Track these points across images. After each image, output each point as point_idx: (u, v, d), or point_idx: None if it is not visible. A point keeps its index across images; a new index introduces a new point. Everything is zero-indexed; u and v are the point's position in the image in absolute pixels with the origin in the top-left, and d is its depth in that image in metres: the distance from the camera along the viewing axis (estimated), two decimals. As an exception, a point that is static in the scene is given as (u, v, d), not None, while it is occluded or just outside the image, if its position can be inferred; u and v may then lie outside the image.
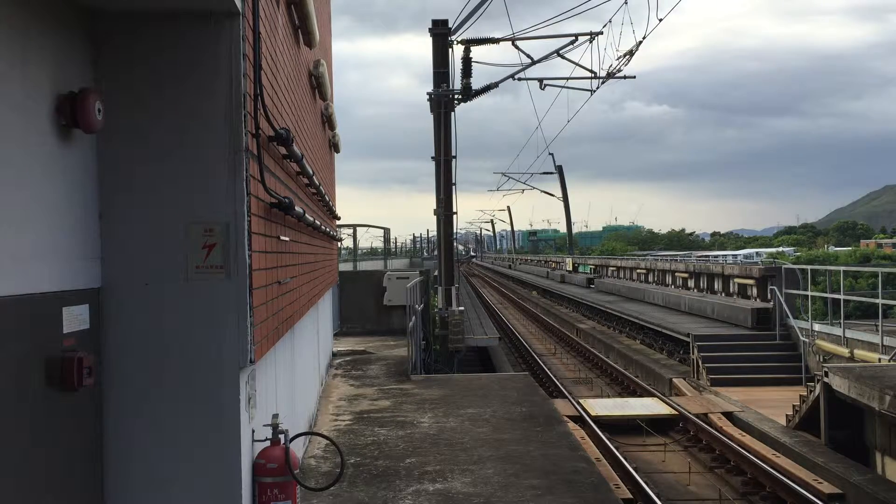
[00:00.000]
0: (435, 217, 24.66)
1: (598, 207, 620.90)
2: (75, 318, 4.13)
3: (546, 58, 23.41)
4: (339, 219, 14.90)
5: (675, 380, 17.54)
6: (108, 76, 4.48)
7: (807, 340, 16.71)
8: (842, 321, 15.77)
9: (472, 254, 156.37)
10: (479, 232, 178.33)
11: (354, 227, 33.14)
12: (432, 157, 24.19)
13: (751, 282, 22.00)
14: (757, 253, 77.38)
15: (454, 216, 24.81)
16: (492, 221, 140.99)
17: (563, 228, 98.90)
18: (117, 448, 4.49)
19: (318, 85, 9.68)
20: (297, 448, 7.13)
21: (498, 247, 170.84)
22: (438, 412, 10.51)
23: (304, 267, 8.08)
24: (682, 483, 11.26)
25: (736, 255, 69.32)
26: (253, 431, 5.00)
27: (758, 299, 21.08)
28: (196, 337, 4.51)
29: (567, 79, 24.78)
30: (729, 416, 13.79)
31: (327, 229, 10.96)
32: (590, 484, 7.31)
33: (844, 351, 15.20)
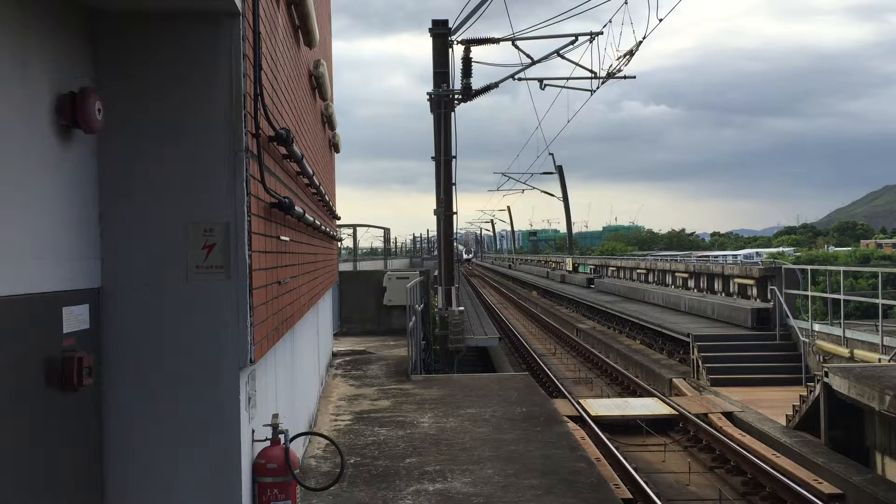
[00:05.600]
0: (435, 217, 24.67)
1: (598, 207, 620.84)
2: (75, 318, 4.12)
3: (546, 58, 23.41)
4: (339, 219, 14.90)
5: (675, 380, 17.55)
6: (108, 76, 4.48)
7: (807, 340, 16.71)
8: (842, 321, 15.76)
9: (467, 256, 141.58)
10: (479, 232, 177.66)
11: (354, 227, 33.15)
12: (432, 157, 24.19)
13: (751, 282, 22.00)
14: (757, 253, 77.34)
15: (454, 216, 24.82)
16: (492, 221, 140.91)
17: (563, 228, 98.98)
18: (117, 448, 4.49)
19: (318, 85, 9.68)
20: (297, 448, 7.13)
21: (498, 247, 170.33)
22: (438, 412, 10.51)
23: (304, 267, 8.08)
24: (682, 483, 11.26)
25: (736, 256, 69.29)
26: (253, 431, 5.00)
27: (758, 299, 21.08)
28: (196, 337, 4.50)
29: (567, 79, 24.78)
30: (729, 416, 13.79)
31: (327, 229, 10.96)
32: (590, 484, 7.31)
33: (844, 351, 15.19)
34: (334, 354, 16.01)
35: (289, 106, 6.71)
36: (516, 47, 23.27)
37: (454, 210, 24.65)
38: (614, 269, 41.46)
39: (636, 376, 19.64)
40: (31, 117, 3.78)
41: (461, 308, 22.26)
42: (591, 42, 22.76)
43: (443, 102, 23.49)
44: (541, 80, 24.59)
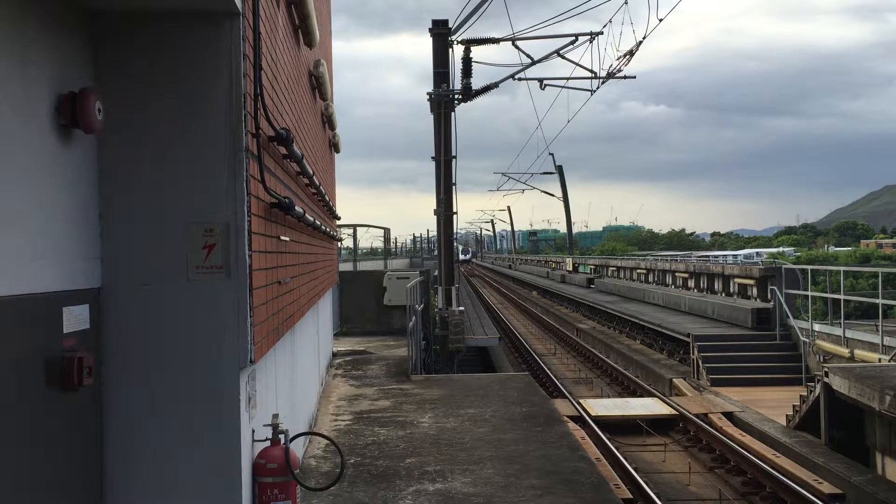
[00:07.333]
0: (435, 217, 24.67)
1: (598, 207, 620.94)
2: (75, 318, 4.12)
3: (546, 58, 23.40)
4: (339, 219, 14.90)
5: (675, 380, 17.55)
6: (108, 76, 4.48)
7: (807, 340, 16.71)
8: (842, 321, 15.76)
9: (464, 256, 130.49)
10: (479, 232, 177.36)
11: (354, 227, 33.11)
12: (432, 157, 24.19)
13: (751, 282, 22.00)
14: (757, 253, 77.30)
15: (454, 216, 24.82)
16: (492, 221, 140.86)
17: (563, 228, 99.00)
18: (117, 448, 4.49)
19: (318, 85, 9.68)
20: (298, 448, 7.13)
21: (498, 247, 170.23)
22: (438, 412, 10.51)
23: (304, 267, 8.08)
24: (683, 483, 11.26)
25: (736, 256, 69.26)
26: (253, 431, 5.00)
27: (758, 299, 21.08)
28: (196, 337, 4.50)
29: (567, 79, 24.78)
30: (729, 416, 13.79)
31: (327, 229, 10.96)
32: (590, 484, 7.31)
33: (844, 351, 15.20)
34: (334, 354, 16.01)
35: (289, 106, 6.71)
36: (516, 47, 23.27)
37: (454, 210, 24.65)
38: (614, 269, 41.45)
39: (636, 376, 19.64)
40: (31, 117, 3.78)
41: (461, 308, 22.26)
42: (591, 42, 22.77)
43: (443, 102, 23.48)
44: (541, 80, 24.59)
